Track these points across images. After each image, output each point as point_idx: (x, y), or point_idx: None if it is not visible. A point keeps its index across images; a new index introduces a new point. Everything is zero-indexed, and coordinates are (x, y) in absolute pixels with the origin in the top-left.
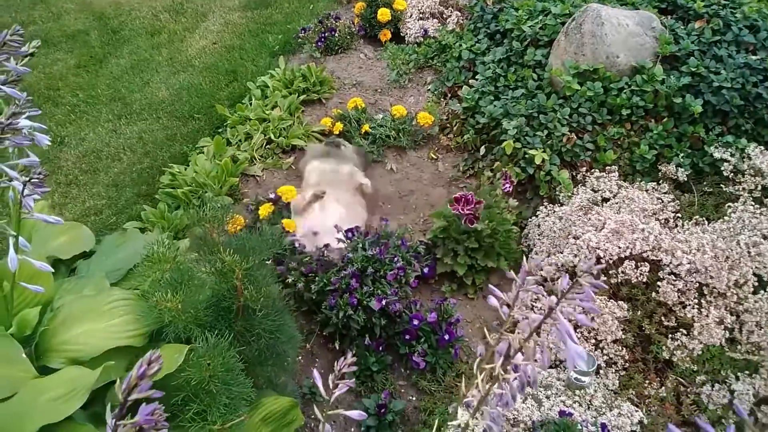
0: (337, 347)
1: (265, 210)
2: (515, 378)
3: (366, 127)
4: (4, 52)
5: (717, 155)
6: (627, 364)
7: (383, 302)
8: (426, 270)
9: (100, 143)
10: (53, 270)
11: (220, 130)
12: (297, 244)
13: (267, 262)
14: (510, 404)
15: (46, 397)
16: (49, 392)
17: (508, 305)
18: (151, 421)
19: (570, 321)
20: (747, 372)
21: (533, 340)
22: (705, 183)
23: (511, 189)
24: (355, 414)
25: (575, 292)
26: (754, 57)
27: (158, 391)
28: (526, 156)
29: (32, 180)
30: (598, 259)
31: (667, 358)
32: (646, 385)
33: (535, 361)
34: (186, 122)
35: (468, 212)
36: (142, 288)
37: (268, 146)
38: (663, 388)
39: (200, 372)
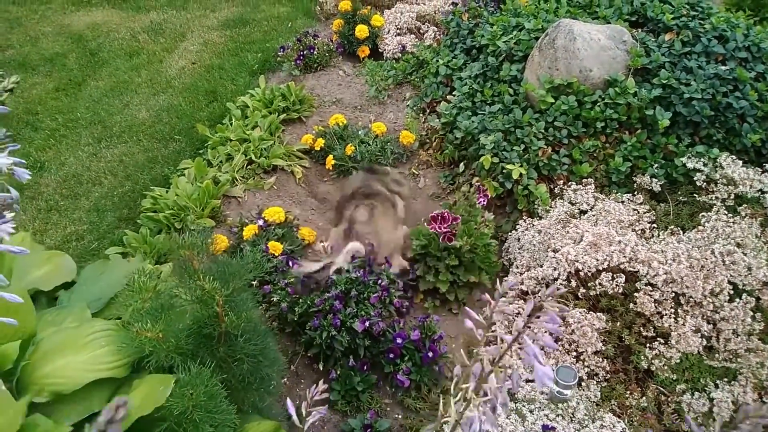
0: (322, 368)
1: (249, 231)
2: (487, 401)
3: (350, 149)
4: None
5: (690, 165)
6: (608, 375)
7: (366, 323)
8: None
9: (80, 167)
10: (32, 301)
11: (201, 151)
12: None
13: (252, 282)
14: (483, 427)
15: None
16: None
17: (484, 327)
18: None
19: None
20: (726, 379)
21: (502, 364)
22: (679, 192)
23: (486, 202)
24: None
25: (540, 315)
26: (723, 67)
27: None
28: (504, 171)
29: None
30: (577, 272)
31: (646, 367)
32: (627, 395)
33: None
34: (167, 144)
35: (445, 230)
36: (124, 318)
37: (249, 167)
38: (644, 397)
39: (183, 402)
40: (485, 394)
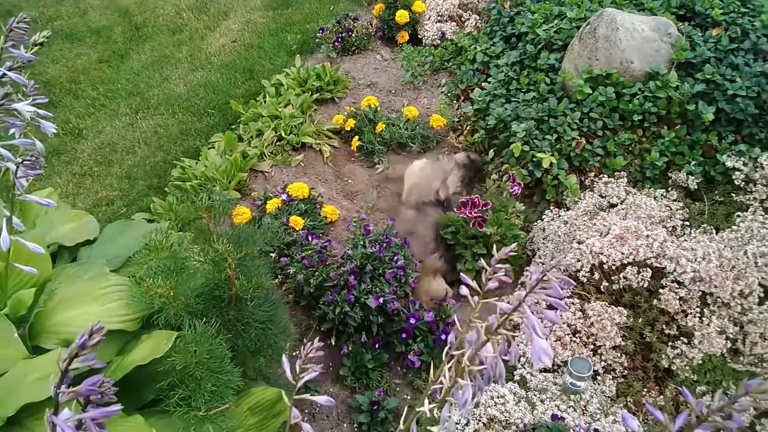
0: (334, 343)
1: (273, 204)
2: (481, 370)
3: (381, 126)
4: (11, 39)
5: (729, 164)
6: (626, 372)
7: (380, 300)
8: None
9: (116, 136)
10: (53, 254)
11: (233, 126)
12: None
13: (271, 253)
14: (475, 397)
15: (32, 377)
16: (35, 372)
17: (478, 293)
18: (95, 392)
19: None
20: None
21: (501, 332)
22: (716, 192)
23: (518, 191)
24: (323, 399)
25: (543, 286)
26: None
27: (100, 362)
28: (534, 159)
29: (24, 162)
30: (601, 265)
31: (666, 366)
32: (644, 393)
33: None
34: (201, 118)
35: (476, 215)
36: (139, 275)
37: (278, 143)
38: (662, 396)
39: (186, 358)
40: (480, 364)
